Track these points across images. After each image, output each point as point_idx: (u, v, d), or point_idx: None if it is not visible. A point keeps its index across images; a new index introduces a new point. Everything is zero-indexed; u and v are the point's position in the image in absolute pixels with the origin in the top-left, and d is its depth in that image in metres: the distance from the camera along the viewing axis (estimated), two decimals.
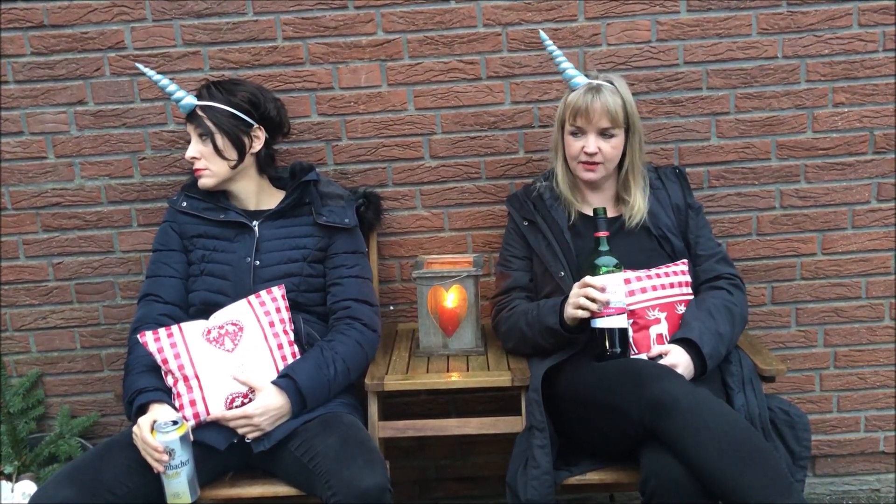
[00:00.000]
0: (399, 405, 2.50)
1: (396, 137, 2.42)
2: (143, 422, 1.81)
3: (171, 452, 1.76)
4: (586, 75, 2.10)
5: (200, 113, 2.07)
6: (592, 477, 1.93)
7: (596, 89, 2.03)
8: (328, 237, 2.14)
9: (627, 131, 2.07)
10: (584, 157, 2.06)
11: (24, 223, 2.45)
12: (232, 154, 2.09)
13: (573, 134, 2.07)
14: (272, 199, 2.19)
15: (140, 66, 2.20)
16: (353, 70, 2.37)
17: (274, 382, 1.91)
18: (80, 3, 2.32)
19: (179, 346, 1.92)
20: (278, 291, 2.03)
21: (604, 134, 2.04)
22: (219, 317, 1.99)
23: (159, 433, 1.77)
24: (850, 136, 2.43)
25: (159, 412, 1.84)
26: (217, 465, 1.92)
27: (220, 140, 2.07)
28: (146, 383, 1.91)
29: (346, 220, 2.14)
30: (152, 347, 1.91)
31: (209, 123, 2.07)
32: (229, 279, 2.08)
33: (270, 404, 1.88)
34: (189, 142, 2.12)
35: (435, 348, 2.20)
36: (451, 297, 2.16)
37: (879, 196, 2.46)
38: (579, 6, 2.34)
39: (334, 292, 2.11)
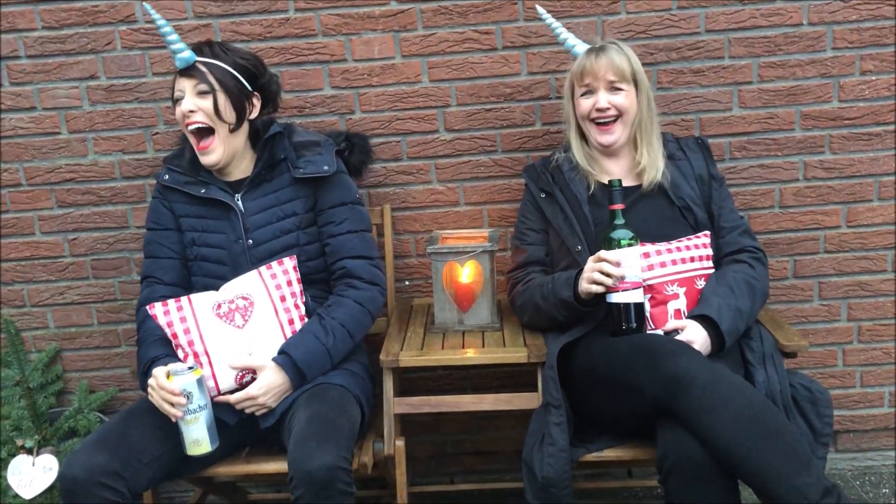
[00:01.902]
0: (415, 381, 2.49)
1: (411, 110, 2.38)
2: (158, 371, 1.80)
3: (188, 396, 1.75)
4: (589, 42, 2.09)
5: (203, 68, 1.94)
6: (609, 454, 1.91)
7: (599, 49, 2.05)
8: (312, 193, 2.04)
9: (636, 89, 2.04)
10: (595, 115, 2.04)
11: (39, 199, 2.45)
12: (231, 116, 1.97)
13: (584, 95, 2.06)
14: (249, 164, 2.08)
15: (147, 6, 2.06)
16: (367, 41, 2.33)
17: (273, 359, 1.90)
18: None
19: (189, 320, 1.90)
20: (289, 262, 1.99)
21: (613, 89, 2.02)
22: (229, 289, 1.95)
23: (176, 377, 1.77)
24: (877, 106, 2.36)
25: (172, 367, 1.83)
26: (232, 441, 1.92)
27: (222, 99, 1.95)
28: (159, 352, 1.91)
29: (325, 168, 2.02)
30: (162, 321, 1.90)
31: (212, 79, 1.94)
32: (226, 264, 2.03)
33: (272, 382, 1.87)
34: (175, 99, 1.98)
35: (450, 324, 2.17)
36: (467, 273, 2.13)
37: None
38: None
39: (328, 253, 2.06)
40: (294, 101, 2.37)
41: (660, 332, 1.91)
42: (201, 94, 1.94)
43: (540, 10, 2.16)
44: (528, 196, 2.20)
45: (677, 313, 1.95)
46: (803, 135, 2.38)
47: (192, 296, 1.95)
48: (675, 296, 1.95)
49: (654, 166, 2.07)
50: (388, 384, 2.01)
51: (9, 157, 2.41)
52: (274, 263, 1.98)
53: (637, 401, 1.75)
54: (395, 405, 2.01)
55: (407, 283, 2.50)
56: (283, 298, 1.96)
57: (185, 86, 1.95)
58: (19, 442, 2.36)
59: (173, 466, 1.84)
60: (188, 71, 1.95)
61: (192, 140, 1.99)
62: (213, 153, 1.97)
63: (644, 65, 2.24)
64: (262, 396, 1.86)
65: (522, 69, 2.35)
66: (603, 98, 2.02)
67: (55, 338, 2.55)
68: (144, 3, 2.10)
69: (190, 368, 1.79)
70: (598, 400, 1.90)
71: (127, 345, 2.55)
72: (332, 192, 2.05)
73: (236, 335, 1.90)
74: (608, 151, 2.10)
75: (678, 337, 1.86)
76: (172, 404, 1.76)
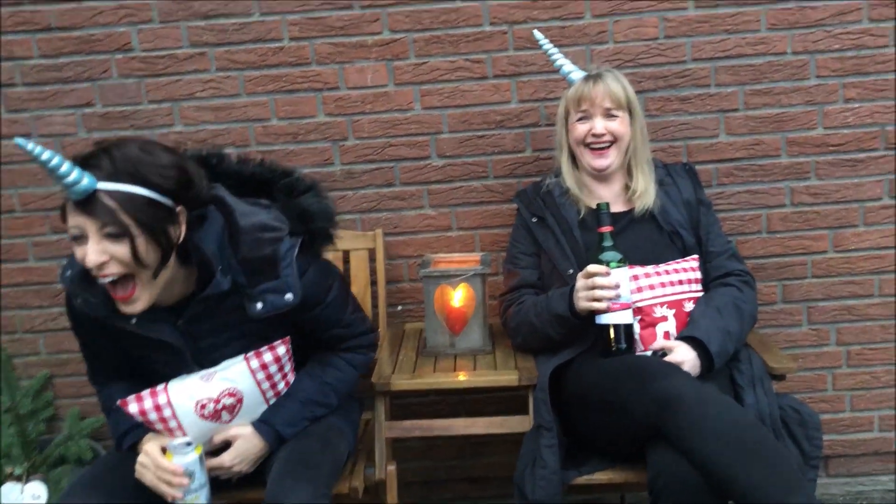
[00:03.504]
0: (408, 406, 2.49)
1: (403, 137, 2.41)
2: (151, 448, 1.64)
3: (191, 475, 1.61)
4: (585, 70, 2.13)
5: (108, 202, 1.45)
6: (601, 477, 1.91)
7: (596, 75, 2.09)
8: (281, 314, 1.69)
9: (631, 116, 2.08)
10: (591, 140, 2.08)
11: (33, 225, 2.46)
12: (154, 258, 1.52)
13: (580, 120, 2.09)
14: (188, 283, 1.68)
15: (19, 140, 1.47)
16: (360, 70, 2.37)
17: (254, 425, 1.76)
18: (87, 6, 2.33)
19: (170, 420, 1.67)
20: (283, 348, 1.74)
21: (608, 115, 2.06)
22: (214, 382, 1.70)
23: (176, 455, 1.60)
24: (860, 133, 2.40)
25: (162, 440, 1.67)
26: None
27: (142, 242, 1.49)
28: (133, 421, 1.70)
29: (288, 297, 1.66)
30: (134, 412, 1.68)
31: (124, 218, 1.46)
32: (173, 375, 1.73)
33: (248, 450, 1.75)
34: (74, 237, 1.50)
35: (442, 348, 2.18)
36: (459, 296, 2.15)
37: (892, 192, 2.43)
38: (586, 4, 2.34)
39: (321, 344, 1.87)
40: (288, 128, 2.40)
41: (648, 352, 1.93)
42: (111, 237, 1.48)
43: (537, 34, 2.20)
44: (520, 221, 2.22)
45: (666, 335, 1.97)
46: (789, 161, 2.42)
47: (171, 387, 1.69)
48: (664, 318, 1.97)
49: (647, 192, 2.11)
50: (380, 408, 2.02)
51: (5, 184, 2.43)
52: (264, 350, 1.72)
53: (628, 422, 1.75)
54: (386, 429, 2.01)
55: (399, 307, 2.51)
56: (273, 385, 1.77)
57: (86, 225, 1.47)
58: (8, 469, 2.35)
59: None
60: (86, 206, 1.46)
61: (107, 288, 1.55)
62: (137, 302, 1.55)
63: None
64: (238, 466, 1.75)
65: (513, 97, 2.39)
66: (599, 124, 2.06)
67: (46, 364, 2.54)
68: (16, 139, 1.48)
69: (188, 444, 1.62)
70: (590, 422, 1.91)
71: None
72: (305, 307, 1.72)
73: (220, 428, 1.75)
74: (600, 176, 2.13)
75: (667, 358, 1.87)
76: (171, 484, 1.61)
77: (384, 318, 2.39)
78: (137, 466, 1.65)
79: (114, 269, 1.50)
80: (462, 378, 2.02)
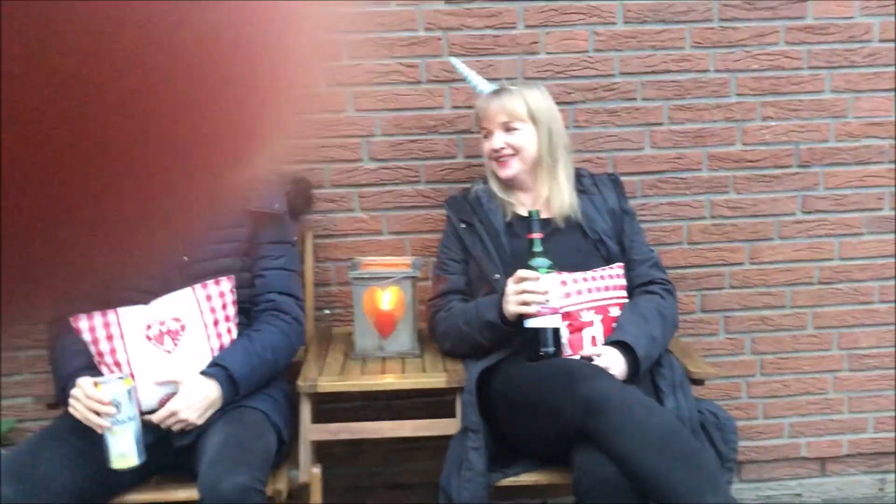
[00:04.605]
0: (332, 411, 2.45)
1: (335, 139, 2.40)
2: (84, 381, 1.73)
3: (118, 406, 1.70)
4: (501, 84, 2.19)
5: None
6: (526, 478, 1.93)
7: (495, 93, 2.14)
8: (254, 225, 2.04)
9: (536, 126, 2.13)
10: (494, 155, 2.13)
11: None
12: None
13: (485, 137, 2.15)
14: None
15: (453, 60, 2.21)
16: None
17: (203, 372, 1.86)
18: None
19: (116, 339, 1.83)
20: (227, 284, 1.94)
21: (507, 129, 2.11)
22: (160, 307, 1.88)
23: (105, 385, 1.71)
24: (776, 150, 2.51)
25: (100, 377, 1.77)
26: (140, 467, 1.85)
27: None
28: (79, 365, 1.85)
29: (276, 206, 2.04)
30: (87, 336, 1.83)
31: None
32: (156, 277, 1.98)
33: (195, 396, 1.83)
34: None
35: (371, 350, 2.17)
36: (388, 298, 2.14)
37: (804, 208, 2.55)
38: (519, 14, 2.38)
39: (259, 284, 2.05)
40: None
41: (577, 357, 1.96)
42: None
43: (454, 62, 2.26)
44: (450, 227, 2.24)
45: (593, 340, 2.00)
46: (710, 175, 2.51)
47: (121, 310, 1.86)
48: (591, 323, 2.01)
49: (557, 198, 2.14)
50: (306, 410, 1.99)
51: None
52: (210, 283, 1.93)
53: (554, 423, 1.78)
54: (311, 431, 1.99)
55: (327, 311, 2.49)
56: (216, 322, 1.91)
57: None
58: None
59: (85, 495, 1.75)
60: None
61: None
62: None
63: (562, 104, 2.34)
64: (186, 411, 1.81)
65: (446, 102, 2.41)
66: (498, 139, 2.11)
67: None
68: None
69: (119, 378, 1.74)
70: (517, 424, 1.92)
71: (29, 372, 2.43)
72: (274, 229, 2.06)
73: (164, 359, 1.85)
74: (513, 184, 2.18)
75: (595, 362, 1.91)
76: (99, 414, 1.70)
77: (311, 322, 2.36)
78: (70, 401, 1.74)
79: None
80: (390, 380, 2.02)
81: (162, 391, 1.84)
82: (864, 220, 2.56)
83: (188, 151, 0.28)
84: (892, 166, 2.54)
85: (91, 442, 1.75)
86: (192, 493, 1.84)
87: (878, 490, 2.73)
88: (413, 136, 2.42)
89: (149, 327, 1.86)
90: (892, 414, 2.68)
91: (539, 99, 2.13)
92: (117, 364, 1.83)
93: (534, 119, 2.12)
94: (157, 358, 1.85)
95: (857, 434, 2.69)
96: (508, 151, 2.12)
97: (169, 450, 1.85)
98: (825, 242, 2.57)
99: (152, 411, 1.83)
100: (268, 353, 1.95)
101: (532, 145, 2.12)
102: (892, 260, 2.59)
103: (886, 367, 2.65)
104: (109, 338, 1.83)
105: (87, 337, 1.83)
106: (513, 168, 2.13)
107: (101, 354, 1.84)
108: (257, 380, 1.93)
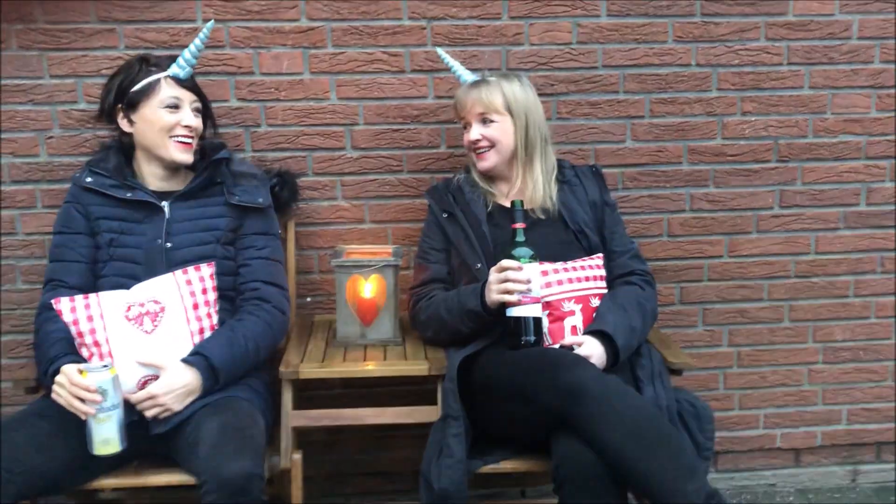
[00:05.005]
0: (314, 398, 2.45)
1: (318, 126, 2.40)
2: (69, 368, 1.74)
3: (103, 393, 1.70)
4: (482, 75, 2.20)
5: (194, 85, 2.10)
6: (506, 466, 1.95)
7: (473, 84, 2.15)
8: (240, 217, 2.08)
9: (513, 118, 2.13)
10: (471, 147, 2.15)
11: None
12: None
13: (464, 129, 2.17)
14: (182, 179, 2.11)
15: (439, 50, 2.25)
16: (275, 56, 2.34)
17: (184, 360, 1.86)
18: None
19: (96, 319, 1.84)
20: (207, 269, 1.96)
21: (484, 121, 2.12)
22: (141, 291, 1.90)
23: (91, 373, 1.71)
24: (755, 144, 2.54)
25: (81, 365, 1.77)
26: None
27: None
28: (61, 350, 1.86)
29: (260, 200, 2.10)
30: (67, 317, 1.83)
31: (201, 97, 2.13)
32: (140, 262, 2.00)
33: (175, 382, 1.83)
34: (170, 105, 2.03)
35: (352, 338, 2.18)
36: (370, 287, 2.14)
37: (782, 203, 2.58)
38: (503, 5, 2.38)
39: (243, 273, 2.07)
40: None
41: (557, 346, 1.98)
42: (196, 111, 2.07)
43: (440, 53, 2.27)
44: (431, 216, 2.25)
45: (574, 329, 2.02)
46: (690, 168, 2.53)
47: (102, 294, 1.89)
48: (572, 312, 2.03)
49: (532, 190, 2.16)
50: (287, 396, 1.99)
51: None
52: (190, 269, 1.95)
53: (534, 411, 1.79)
54: (293, 418, 1.99)
55: (308, 299, 2.49)
56: (195, 306, 1.93)
57: (184, 97, 2.05)
58: None
59: (60, 478, 1.75)
60: (186, 83, 2.06)
61: (180, 147, 2.03)
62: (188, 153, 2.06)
63: (545, 95, 2.36)
64: (164, 396, 1.81)
65: (429, 92, 2.41)
66: (475, 131, 2.13)
67: None
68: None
69: (105, 366, 1.74)
70: (497, 412, 1.94)
71: (8, 357, 2.41)
72: (259, 221, 2.11)
73: (143, 340, 1.85)
74: (492, 175, 2.19)
75: (576, 351, 1.93)
76: (83, 401, 1.71)
77: (294, 310, 2.36)
78: (54, 387, 1.75)
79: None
80: (371, 367, 2.02)
81: (141, 373, 1.84)
82: (841, 215, 2.60)
83: None
84: (869, 162, 2.58)
85: (66, 426, 1.75)
86: (171, 478, 1.85)
87: (851, 481, 2.78)
88: (396, 126, 2.42)
89: (129, 308, 1.87)
90: (866, 406, 2.73)
91: (517, 91, 2.14)
92: (97, 344, 1.83)
93: (511, 111, 2.13)
94: (137, 338, 1.85)
95: (832, 426, 2.73)
96: (485, 144, 2.13)
97: (145, 436, 1.85)
98: (802, 237, 2.60)
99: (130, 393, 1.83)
100: (250, 343, 1.95)
101: (509, 137, 2.13)
102: (868, 255, 2.63)
103: (860, 360, 2.70)
104: (90, 318, 1.84)
105: (67, 318, 1.83)
106: (490, 160, 2.14)
107: (80, 335, 1.83)
108: (238, 369, 1.94)
